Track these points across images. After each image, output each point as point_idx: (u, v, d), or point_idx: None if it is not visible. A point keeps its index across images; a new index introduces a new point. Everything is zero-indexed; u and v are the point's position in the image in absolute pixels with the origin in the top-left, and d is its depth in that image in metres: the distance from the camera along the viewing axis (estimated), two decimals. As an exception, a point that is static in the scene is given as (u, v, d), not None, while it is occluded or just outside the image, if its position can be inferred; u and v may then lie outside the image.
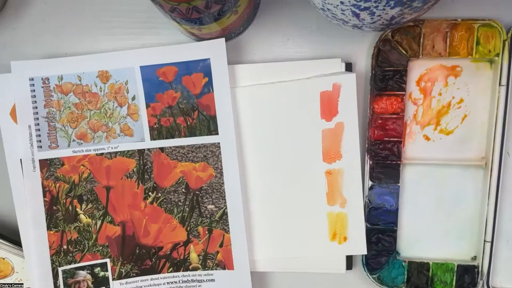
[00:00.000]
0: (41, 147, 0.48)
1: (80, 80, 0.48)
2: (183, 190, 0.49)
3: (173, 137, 0.48)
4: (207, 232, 0.49)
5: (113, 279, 0.49)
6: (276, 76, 0.47)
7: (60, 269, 0.49)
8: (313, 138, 0.47)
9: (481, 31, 0.45)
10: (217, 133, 0.47)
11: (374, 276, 0.48)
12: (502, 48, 0.45)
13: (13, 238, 0.51)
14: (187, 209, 0.49)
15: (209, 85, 0.47)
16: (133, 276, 0.49)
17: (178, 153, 0.48)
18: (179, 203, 0.49)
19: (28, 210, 0.49)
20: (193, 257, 0.49)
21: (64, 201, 0.49)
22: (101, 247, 0.49)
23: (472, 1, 0.46)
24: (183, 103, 0.48)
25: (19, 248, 0.50)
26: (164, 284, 0.49)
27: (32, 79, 0.48)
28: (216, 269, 0.49)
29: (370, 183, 0.48)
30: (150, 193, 0.49)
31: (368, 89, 0.47)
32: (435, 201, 0.48)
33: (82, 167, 0.49)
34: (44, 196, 0.49)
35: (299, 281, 0.51)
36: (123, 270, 0.49)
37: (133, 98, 0.48)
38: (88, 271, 0.49)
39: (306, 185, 0.48)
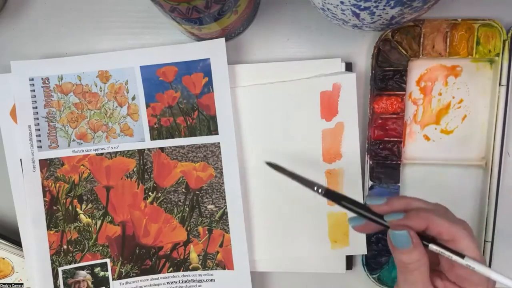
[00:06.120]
0: (41, 147, 0.48)
1: (80, 80, 0.48)
2: (183, 190, 0.49)
3: (173, 137, 0.48)
4: (207, 232, 0.49)
5: (113, 279, 0.49)
6: (276, 76, 0.47)
7: (60, 269, 0.49)
8: (313, 138, 0.47)
9: (481, 31, 0.45)
10: (217, 133, 0.47)
11: (374, 276, 0.48)
12: (502, 48, 0.45)
13: (13, 238, 0.51)
14: (187, 209, 0.49)
15: (209, 85, 0.47)
16: (133, 276, 0.49)
17: (178, 153, 0.48)
18: (179, 203, 0.49)
19: (28, 210, 0.49)
20: (193, 257, 0.49)
21: (64, 201, 0.49)
22: (101, 247, 0.49)
23: (472, 1, 0.46)
24: (183, 103, 0.48)
25: (19, 248, 0.50)
26: (164, 284, 0.49)
27: (32, 79, 0.48)
28: (216, 269, 0.49)
29: (370, 183, 0.48)
30: (150, 193, 0.49)
31: (368, 89, 0.47)
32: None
33: (82, 167, 0.49)
34: (44, 196, 0.49)
35: (299, 281, 0.51)
36: (123, 270, 0.49)
37: (133, 98, 0.48)
38: (88, 271, 0.49)
39: (306, 185, 0.48)
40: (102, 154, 0.49)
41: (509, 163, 0.47)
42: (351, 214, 0.47)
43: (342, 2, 0.37)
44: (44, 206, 0.49)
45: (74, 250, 0.49)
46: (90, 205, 0.49)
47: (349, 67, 0.47)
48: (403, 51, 0.46)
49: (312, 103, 0.47)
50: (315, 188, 0.37)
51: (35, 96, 0.48)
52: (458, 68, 0.47)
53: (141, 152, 0.48)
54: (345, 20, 0.40)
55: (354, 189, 0.47)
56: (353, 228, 0.38)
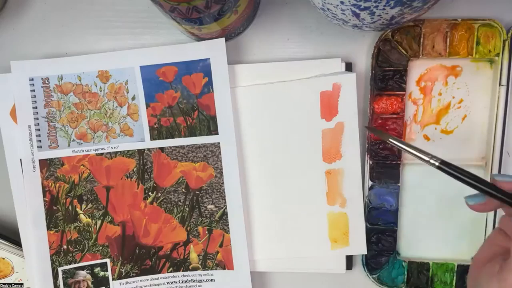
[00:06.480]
0: (41, 147, 0.48)
1: (80, 80, 0.48)
2: (183, 190, 0.49)
3: (173, 137, 0.48)
4: (207, 232, 0.49)
5: (113, 279, 0.49)
6: (276, 76, 0.47)
7: (60, 269, 0.49)
8: (313, 138, 0.47)
9: (481, 31, 0.45)
10: (217, 133, 0.47)
11: (374, 276, 0.48)
12: (502, 48, 0.45)
13: (13, 238, 0.51)
14: (187, 209, 0.49)
15: (209, 85, 0.47)
16: (133, 276, 0.49)
17: (178, 153, 0.48)
18: (179, 203, 0.49)
19: (28, 210, 0.49)
20: (193, 257, 0.49)
21: (64, 201, 0.49)
22: (101, 247, 0.49)
23: (472, 1, 0.46)
24: (183, 103, 0.48)
25: (19, 248, 0.50)
26: (164, 284, 0.49)
27: (32, 79, 0.48)
28: (216, 269, 0.49)
29: (370, 183, 0.48)
30: (150, 193, 0.49)
31: (368, 89, 0.47)
32: (435, 201, 0.48)
33: (82, 167, 0.49)
34: (44, 196, 0.49)
35: (299, 281, 0.51)
36: (123, 270, 0.49)
37: (133, 98, 0.48)
38: (88, 271, 0.49)
39: (306, 185, 0.48)
40: (102, 154, 0.49)
41: (509, 163, 0.47)
42: (352, 214, 0.48)
43: (342, 2, 0.37)
44: (44, 206, 0.49)
45: (74, 250, 0.49)
46: (90, 205, 0.49)
47: (349, 67, 0.47)
48: (403, 51, 0.46)
49: (312, 103, 0.47)
50: (427, 159, 0.35)
51: (35, 96, 0.48)
52: (458, 68, 0.47)
53: (141, 152, 0.48)
54: (345, 20, 0.40)
55: (354, 189, 0.47)
56: (470, 207, 0.35)
